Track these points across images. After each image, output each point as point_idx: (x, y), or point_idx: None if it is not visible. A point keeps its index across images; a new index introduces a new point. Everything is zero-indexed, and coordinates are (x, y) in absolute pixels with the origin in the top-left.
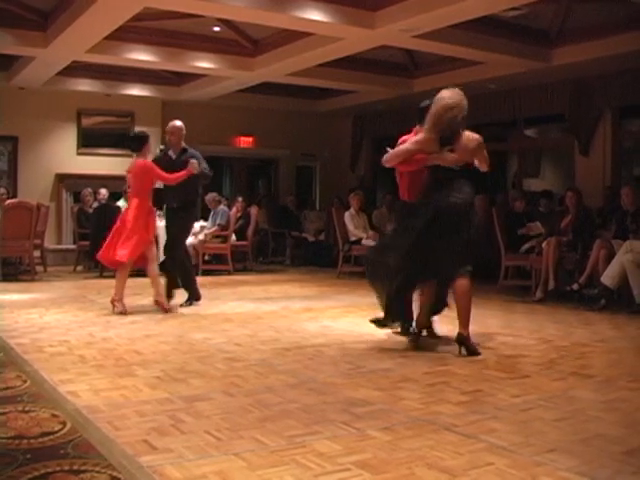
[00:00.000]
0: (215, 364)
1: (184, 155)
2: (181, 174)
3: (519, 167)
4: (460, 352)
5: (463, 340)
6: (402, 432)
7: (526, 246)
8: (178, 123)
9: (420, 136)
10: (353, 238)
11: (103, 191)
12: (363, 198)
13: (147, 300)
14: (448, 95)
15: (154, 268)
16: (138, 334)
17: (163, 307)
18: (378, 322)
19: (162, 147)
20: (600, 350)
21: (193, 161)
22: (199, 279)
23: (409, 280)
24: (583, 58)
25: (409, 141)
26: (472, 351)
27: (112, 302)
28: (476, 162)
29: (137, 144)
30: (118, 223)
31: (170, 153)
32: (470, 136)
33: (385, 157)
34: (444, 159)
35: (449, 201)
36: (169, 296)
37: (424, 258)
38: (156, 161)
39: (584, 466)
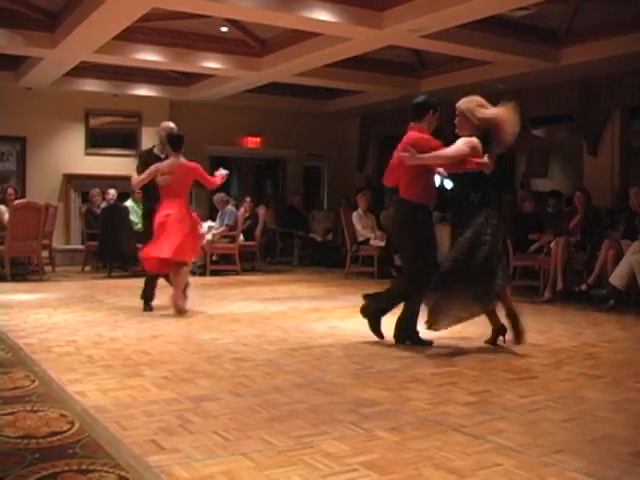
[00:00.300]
0: (223, 364)
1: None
2: (219, 179)
3: (527, 167)
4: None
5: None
6: (410, 432)
7: (534, 246)
8: (172, 124)
9: (474, 139)
10: (361, 238)
11: (112, 191)
12: (371, 198)
13: (156, 300)
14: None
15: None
16: (146, 334)
17: (178, 308)
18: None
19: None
20: (608, 351)
21: (225, 171)
22: (207, 279)
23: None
24: (591, 58)
25: (464, 143)
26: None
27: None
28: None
29: (179, 143)
30: (166, 228)
31: (157, 152)
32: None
33: (438, 154)
34: (487, 165)
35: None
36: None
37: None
38: (143, 159)
39: (592, 467)
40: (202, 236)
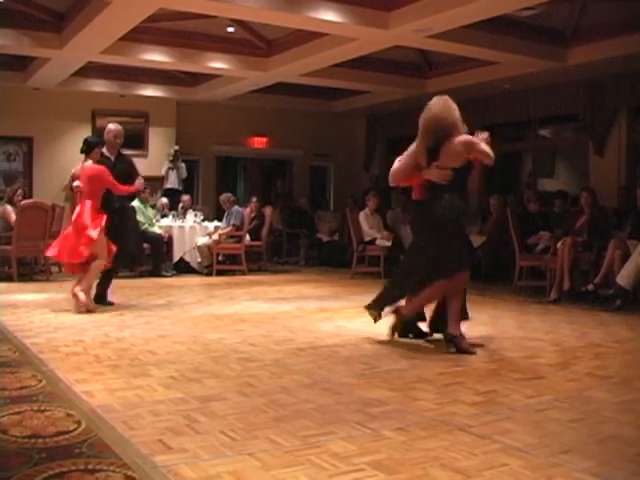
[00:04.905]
0: (229, 364)
1: (121, 158)
2: (132, 188)
3: (533, 167)
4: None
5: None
6: (416, 432)
7: (541, 246)
8: (112, 126)
9: (411, 147)
10: (367, 238)
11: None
12: (379, 199)
13: (162, 300)
14: (436, 105)
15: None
16: (153, 334)
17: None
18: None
19: (176, 148)
20: (615, 351)
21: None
22: (213, 279)
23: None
24: (598, 57)
25: (404, 155)
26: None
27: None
28: (476, 159)
29: (88, 148)
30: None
31: (108, 154)
32: (455, 141)
33: (390, 178)
34: (432, 175)
35: (439, 213)
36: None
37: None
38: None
39: (599, 467)
40: (91, 240)
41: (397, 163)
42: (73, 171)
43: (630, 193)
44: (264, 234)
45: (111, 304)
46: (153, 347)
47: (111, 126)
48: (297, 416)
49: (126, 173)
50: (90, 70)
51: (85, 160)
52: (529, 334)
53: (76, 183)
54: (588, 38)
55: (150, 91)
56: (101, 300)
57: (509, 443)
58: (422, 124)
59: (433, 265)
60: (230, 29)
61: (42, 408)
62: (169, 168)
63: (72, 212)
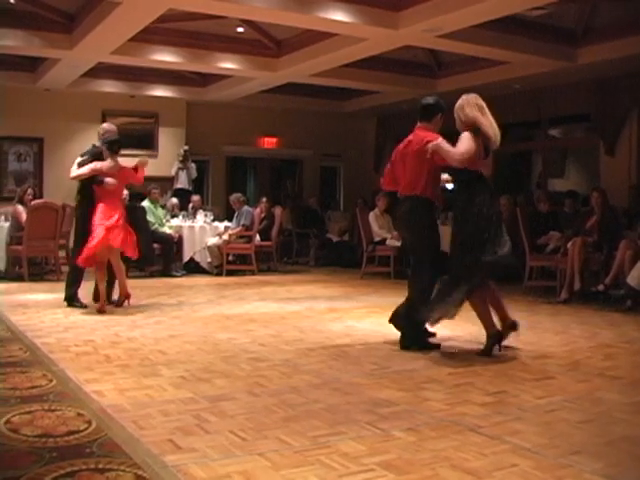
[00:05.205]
0: (239, 364)
1: None
2: (141, 172)
3: (543, 167)
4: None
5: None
6: (426, 433)
7: (551, 246)
8: (106, 126)
9: (469, 137)
10: (377, 238)
11: (124, 192)
12: (389, 199)
13: (172, 300)
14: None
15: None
16: (163, 334)
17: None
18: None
19: (186, 148)
20: (626, 351)
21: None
22: (223, 279)
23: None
24: (608, 57)
25: (467, 139)
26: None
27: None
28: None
29: (118, 147)
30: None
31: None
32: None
33: (463, 159)
34: (486, 167)
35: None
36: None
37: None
38: (96, 157)
39: (609, 469)
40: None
41: (454, 145)
42: (100, 166)
43: None
44: (274, 234)
45: (85, 306)
46: (163, 347)
47: (106, 126)
48: (307, 416)
49: None
50: (100, 71)
51: (114, 159)
52: (539, 334)
53: (112, 180)
54: (598, 38)
55: (160, 91)
56: (72, 301)
57: (519, 444)
58: (489, 122)
59: (498, 264)
60: (240, 29)
61: (53, 408)
62: (179, 168)
63: (95, 210)
